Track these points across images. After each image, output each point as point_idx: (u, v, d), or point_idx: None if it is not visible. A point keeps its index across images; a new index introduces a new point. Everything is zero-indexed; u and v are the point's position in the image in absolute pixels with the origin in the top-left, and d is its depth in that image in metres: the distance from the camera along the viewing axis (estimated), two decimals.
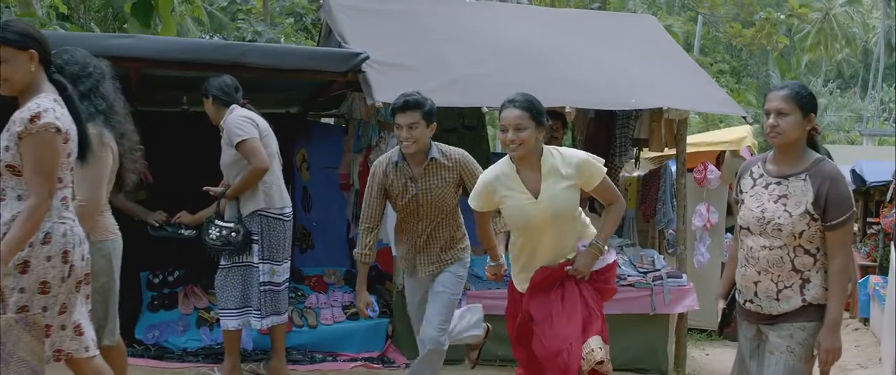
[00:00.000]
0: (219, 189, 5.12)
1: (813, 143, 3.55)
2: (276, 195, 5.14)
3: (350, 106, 7.75)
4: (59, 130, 3.19)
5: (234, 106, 5.15)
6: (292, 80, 6.51)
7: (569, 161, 3.94)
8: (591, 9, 18.33)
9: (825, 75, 43.91)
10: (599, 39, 7.60)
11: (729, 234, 9.63)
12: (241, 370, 5.31)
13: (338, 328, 6.25)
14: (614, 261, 4.23)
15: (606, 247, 4.11)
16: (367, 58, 5.89)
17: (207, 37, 19.58)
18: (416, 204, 4.58)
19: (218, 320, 6.08)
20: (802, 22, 24.74)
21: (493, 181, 4.02)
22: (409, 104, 4.38)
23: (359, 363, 5.95)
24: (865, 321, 9.73)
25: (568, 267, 4.00)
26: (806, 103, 3.43)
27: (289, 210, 5.26)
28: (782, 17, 19.59)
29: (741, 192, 3.64)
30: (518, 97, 3.89)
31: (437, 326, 4.61)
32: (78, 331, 3.41)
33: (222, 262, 5.14)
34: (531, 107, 3.85)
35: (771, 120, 3.44)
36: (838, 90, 43.80)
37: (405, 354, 6.12)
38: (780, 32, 19.54)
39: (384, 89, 5.78)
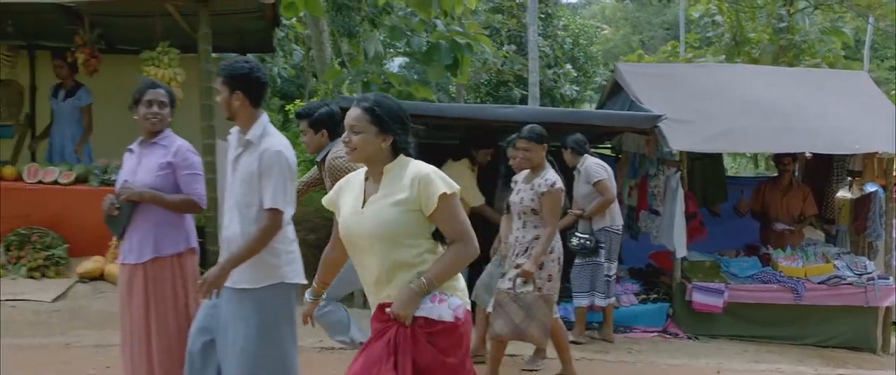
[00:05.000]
0: (577, 211, 7.60)
1: None
2: (616, 216, 7.63)
3: (620, 141, 10.19)
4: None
5: (586, 155, 7.66)
6: (594, 130, 9.04)
7: (408, 172, 3.31)
8: (779, 28, 20.12)
9: None
10: (821, 92, 9.73)
11: None
12: (585, 334, 7.81)
13: (632, 309, 8.62)
14: (456, 323, 3.23)
15: (445, 295, 3.24)
16: (666, 118, 8.29)
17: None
18: None
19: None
20: None
21: (345, 181, 3.58)
22: (298, 114, 5.51)
23: (652, 334, 8.36)
24: None
25: (387, 309, 3.24)
26: None
27: (620, 225, 7.72)
28: None
29: None
30: (368, 96, 3.41)
31: None
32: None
33: (577, 260, 7.62)
34: (374, 111, 3.31)
35: None
36: None
37: (682, 329, 8.47)
38: None
39: (676, 139, 8.18)
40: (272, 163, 3.94)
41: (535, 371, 6.53)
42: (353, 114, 3.33)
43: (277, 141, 4.05)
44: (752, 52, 20.16)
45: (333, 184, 4.07)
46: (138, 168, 4.59)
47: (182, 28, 8.49)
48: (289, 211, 4.02)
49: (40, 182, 7.90)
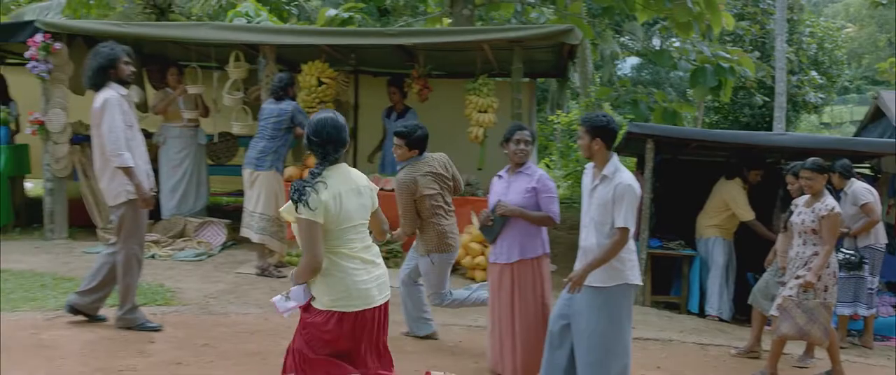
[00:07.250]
0: (844, 230, 8.45)
1: None
2: (880, 234, 8.48)
3: (878, 161, 10.84)
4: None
5: (852, 179, 8.53)
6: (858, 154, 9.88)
7: None
8: None
9: None
10: None
11: None
12: (846, 340, 8.66)
13: (889, 320, 9.34)
14: (305, 309, 4.24)
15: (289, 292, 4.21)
16: None
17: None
18: None
19: None
20: None
21: None
22: (398, 133, 6.72)
23: None
24: None
25: None
26: None
27: (884, 243, 8.55)
28: None
29: None
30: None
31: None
32: None
33: (842, 273, 8.48)
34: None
35: None
36: None
37: None
38: None
39: None
40: (624, 192, 5.24)
41: (805, 367, 7.55)
42: None
43: (627, 176, 5.36)
44: None
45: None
46: (508, 190, 6.06)
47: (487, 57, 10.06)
48: (633, 229, 5.33)
49: (382, 189, 9.65)
